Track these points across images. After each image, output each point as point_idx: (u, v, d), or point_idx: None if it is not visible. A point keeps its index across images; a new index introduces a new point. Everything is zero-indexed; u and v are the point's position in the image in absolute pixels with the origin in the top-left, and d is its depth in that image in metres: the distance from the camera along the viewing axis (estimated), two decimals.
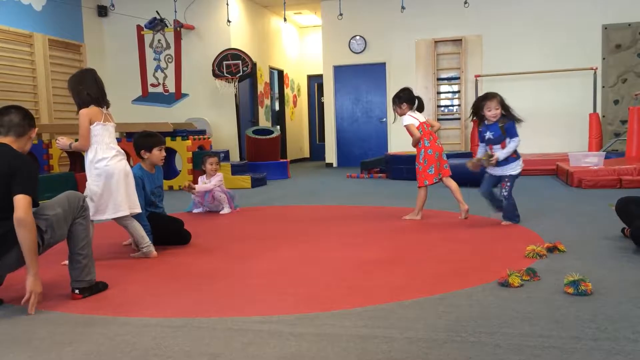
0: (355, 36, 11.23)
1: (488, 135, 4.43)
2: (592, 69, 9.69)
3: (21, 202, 2.50)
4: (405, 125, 4.82)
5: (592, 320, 2.22)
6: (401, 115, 4.86)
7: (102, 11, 10.49)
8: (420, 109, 4.90)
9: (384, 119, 11.29)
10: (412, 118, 4.81)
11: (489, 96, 4.39)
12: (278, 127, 12.38)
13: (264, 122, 11.90)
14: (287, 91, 13.57)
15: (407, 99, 4.84)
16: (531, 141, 10.26)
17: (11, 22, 8.38)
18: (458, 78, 10.67)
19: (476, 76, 10.35)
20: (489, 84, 10.42)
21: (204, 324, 2.34)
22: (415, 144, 4.83)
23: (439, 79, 10.81)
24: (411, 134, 4.80)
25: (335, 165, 11.91)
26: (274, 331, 2.23)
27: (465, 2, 8.68)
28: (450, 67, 10.76)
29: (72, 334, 2.28)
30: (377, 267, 3.23)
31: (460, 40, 10.52)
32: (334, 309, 2.47)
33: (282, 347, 2.06)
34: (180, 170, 8.23)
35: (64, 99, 9.37)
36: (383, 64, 11.18)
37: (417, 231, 4.36)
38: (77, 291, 2.77)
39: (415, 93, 4.91)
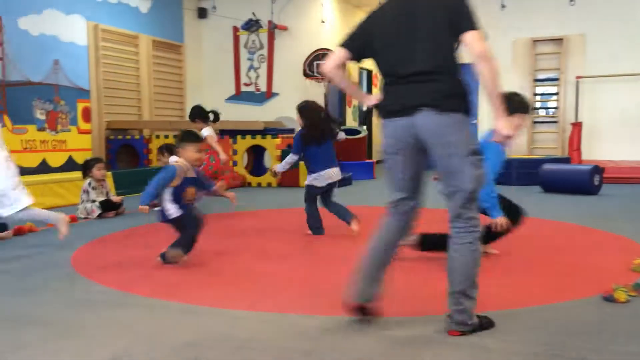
0: None
1: None
2: None
3: (474, 37, 2.09)
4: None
5: None
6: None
7: (202, 13, 10.94)
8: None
9: (476, 121, 10.96)
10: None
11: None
12: (365, 127, 12.36)
13: (351, 122, 11.92)
14: (376, 91, 13.51)
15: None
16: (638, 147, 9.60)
17: (120, 23, 8.95)
18: (557, 79, 10.15)
19: (577, 77, 9.80)
20: (592, 85, 9.84)
21: (296, 320, 2.39)
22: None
23: (536, 80, 10.34)
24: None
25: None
26: (365, 331, 2.22)
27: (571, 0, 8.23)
28: (549, 67, 10.26)
29: (172, 321, 2.40)
30: None
31: (562, 39, 10.00)
32: (422, 314, 2.43)
33: (372, 348, 2.05)
34: (269, 168, 8.44)
35: (164, 97, 9.90)
36: None
37: (509, 238, 4.18)
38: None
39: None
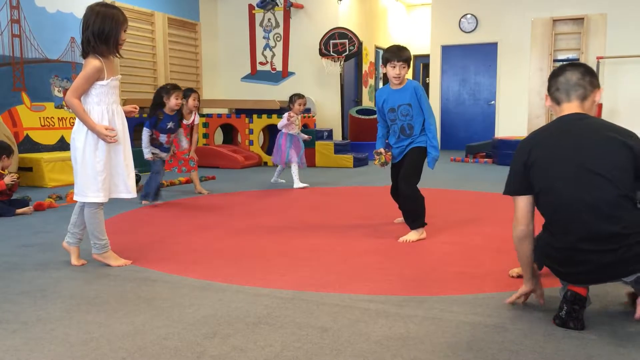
0: (467, 15, 10.82)
1: (170, 125, 4.92)
2: None
3: None
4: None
5: None
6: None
7: None
8: None
9: (493, 102, 10.85)
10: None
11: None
12: None
13: (367, 102, 11.85)
14: None
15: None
16: None
17: (135, 1, 8.92)
18: (577, 60, 9.98)
19: (598, 58, 9.63)
20: (613, 66, 9.67)
21: (313, 297, 2.40)
22: None
23: (555, 61, 10.16)
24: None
25: (438, 148, 11.64)
26: (381, 311, 2.24)
27: None
28: (569, 47, 10.08)
29: (191, 297, 2.43)
30: (486, 255, 3.14)
31: (582, 18, 9.81)
32: (442, 294, 2.44)
33: (390, 327, 2.06)
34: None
35: (180, 75, 9.89)
36: (494, 44, 10.69)
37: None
38: None
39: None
